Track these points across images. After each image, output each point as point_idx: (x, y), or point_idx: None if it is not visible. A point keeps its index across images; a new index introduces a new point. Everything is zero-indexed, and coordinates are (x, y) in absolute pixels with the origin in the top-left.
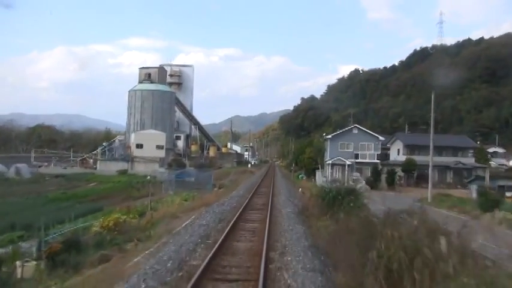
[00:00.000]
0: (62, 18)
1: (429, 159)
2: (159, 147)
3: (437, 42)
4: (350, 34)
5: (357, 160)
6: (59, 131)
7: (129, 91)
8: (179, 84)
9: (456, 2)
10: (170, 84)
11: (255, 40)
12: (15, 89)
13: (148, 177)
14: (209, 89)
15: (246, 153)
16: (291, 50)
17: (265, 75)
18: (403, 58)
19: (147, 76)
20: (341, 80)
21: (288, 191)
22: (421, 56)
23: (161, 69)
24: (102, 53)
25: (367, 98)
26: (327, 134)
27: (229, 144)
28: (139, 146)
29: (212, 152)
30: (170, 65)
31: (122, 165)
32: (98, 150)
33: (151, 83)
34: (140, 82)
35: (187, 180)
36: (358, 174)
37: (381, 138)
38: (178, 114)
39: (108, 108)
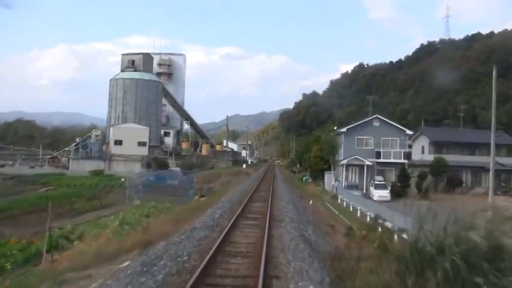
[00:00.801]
0: (63, 16)
1: (460, 158)
2: (141, 143)
3: (444, 37)
4: (351, 33)
5: (379, 160)
6: (39, 126)
7: (110, 80)
8: (169, 75)
9: (457, 1)
10: (159, 74)
11: (257, 39)
12: (15, 87)
13: (123, 179)
14: (209, 87)
15: (244, 151)
16: (292, 49)
17: (266, 74)
18: (408, 54)
19: (130, 63)
20: (345, 75)
21: (295, 206)
22: (428, 51)
23: (147, 55)
24: (102, 51)
25: (373, 93)
26: (340, 127)
27: (224, 142)
28: (118, 142)
29: (205, 150)
30: (159, 54)
31: (98, 165)
32: (70, 147)
33: (135, 70)
34: (123, 70)
35: (169, 183)
36: (381, 178)
37: (408, 132)
38: (168, 108)
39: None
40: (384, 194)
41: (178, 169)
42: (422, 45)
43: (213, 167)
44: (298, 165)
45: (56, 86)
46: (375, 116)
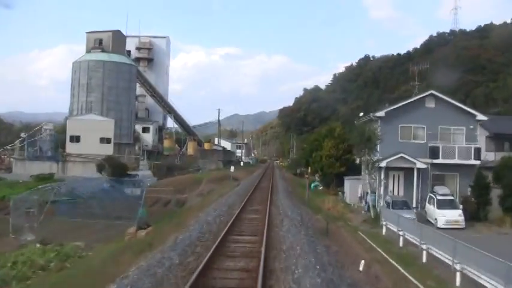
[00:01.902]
0: (63, 16)
1: None
2: (104, 140)
3: (453, 28)
4: (352, 33)
5: (436, 160)
6: (7, 123)
7: (73, 63)
8: (149, 61)
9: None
10: (138, 59)
11: (257, 39)
12: (14, 87)
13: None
14: (209, 87)
15: (239, 150)
16: (292, 49)
17: (266, 74)
18: (411, 49)
19: (97, 43)
20: (349, 69)
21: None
22: (437, 43)
23: (117, 33)
24: None
25: (381, 87)
26: (380, 109)
27: (216, 140)
28: (74, 138)
29: (191, 148)
30: (138, 36)
31: (49, 167)
32: (15, 143)
33: (103, 51)
34: (88, 51)
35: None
36: (446, 189)
37: (480, 116)
38: (149, 100)
39: None
40: (455, 217)
41: (148, 173)
42: (431, 36)
43: (198, 169)
44: (308, 170)
45: (55, 86)
46: (428, 92)
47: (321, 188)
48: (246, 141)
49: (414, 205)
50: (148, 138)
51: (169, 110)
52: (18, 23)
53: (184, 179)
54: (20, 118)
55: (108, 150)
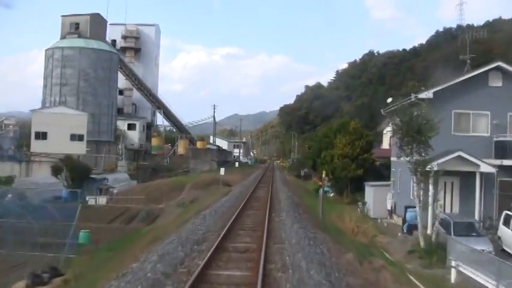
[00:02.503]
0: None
1: None
2: (75, 137)
3: (459, 23)
4: (353, 33)
5: (506, 161)
6: None
7: (46, 50)
8: (137, 51)
9: None
10: (124, 49)
11: (258, 39)
12: (14, 87)
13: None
14: (210, 87)
15: (236, 150)
16: (293, 48)
17: (267, 74)
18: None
19: (73, 28)
20: (352, 65)
21: None
22: (444, 38)
23: (96, 17)
24: None
25: (387, 83)
26: (416, 91)
27: (211, 139)
28: (40, 135)
29: (181, 147)
30: (124, 24)
31: (11, 168)
32: None
33: (80, 37)
34: (63, 37)
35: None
36: None
37: None
38: (136, 94)
39: None
40: None
41: (124, 176)
42: (437, 32)
43: (187, 171)
44: (322, 175)
45: None
46: (493, 64)
47: (331, 194)
48: (244, 140)
49: (481, 224)
50: (134, 136)
51: (159, 105)
52: (20, 22)
53: (166, 183)
54: (20, 118)
55: (81, 148)
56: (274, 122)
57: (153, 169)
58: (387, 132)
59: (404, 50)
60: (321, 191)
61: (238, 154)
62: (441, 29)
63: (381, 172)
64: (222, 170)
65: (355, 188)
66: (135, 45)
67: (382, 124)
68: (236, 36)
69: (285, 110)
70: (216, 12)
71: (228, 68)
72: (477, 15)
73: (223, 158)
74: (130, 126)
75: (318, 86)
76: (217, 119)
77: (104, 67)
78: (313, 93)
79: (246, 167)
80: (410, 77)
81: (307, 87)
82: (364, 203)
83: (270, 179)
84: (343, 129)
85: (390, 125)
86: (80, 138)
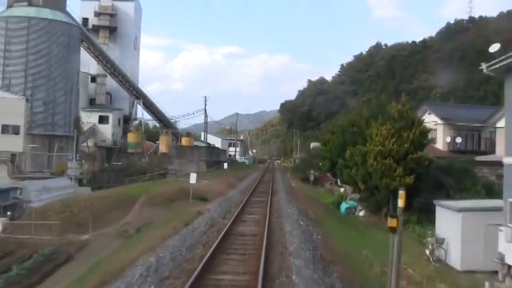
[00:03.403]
0: None
1: None
2: (8, 129)
3: (471, 15)
4: (355, 33)
5: None
6: None
7: None
8: (112, 30)
9: None
10: (96, 29)
11: (259, 38)
12: None
13: None
14: (211, 87)
15: (232, 149)
16: (295, 48)
17: (268, 73)
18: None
19: None
20: (358, 58)
21: None
22: (455, 31)
23: None
24: None
25: (397, 77)
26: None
27: (202, 136)
28: None
29: (164, 144)
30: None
31: None
32: None
33: (30, 5)
34: (10, 5)
35: None
36: None
37: None
38: (111, 82)
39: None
40: None
41: (65, 183)
42: (448, 24)
43: (165, 173)
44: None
45: None
46: None
47: (361, 213)
48: (242, 138)
49: None
50: (107, 130)
51: (138, 94)
52: None
53: (114, 195)
54: None
55: (16, 144)
56: (275, 120)
57: (120, 171)
58: (437, 125)
59: (413, 42)
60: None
61: (234, 153)
62: (452, 21)
63: (441, 180)
64: (193, 177)
65: (425, 211)
66: (110, 24)
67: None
68: (238, 36)
69: (286, 107)
70: (217, 11)
71: (229, 67)
72: (485, 9)
73: (215, 157)
74: (102, 119)
75: (322, 80)
76: (216, 118)
77: (61, 43)
78: (317, 88)
79: (241, 169)
80: (423, 70)
81: (309, 82)
82: (438, 241)
83: (268, 185)
84: (381, 113)
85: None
86: (15, 130)
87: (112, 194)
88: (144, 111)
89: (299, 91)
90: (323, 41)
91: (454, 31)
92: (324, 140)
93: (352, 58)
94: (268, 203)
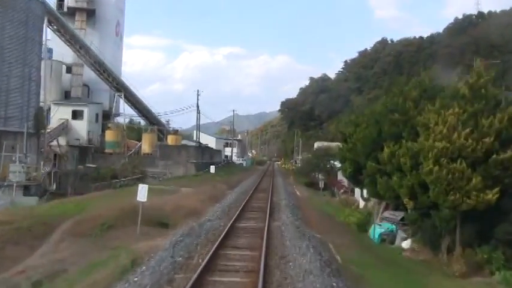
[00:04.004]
0: None
1: None
2: None
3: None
4: (357, 33)
5: None
6: None
7: None
8: (90, 14)
9: None
10: (72, 12)
11: (260, 39)
12: None
13: None
14: (211, 87)
15: (228, 149)
16: (296, 49)
17: (268, 74)
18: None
19: None
20: (363, 54)
21: None
22: (462, 26)
23: None
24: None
25: (405, 73)
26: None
27: (195, 135)
28: None
29: (147, 143)
30: None
31: None
32: None
33: None
34: None
35: None
36: None
37: None
38: (88, 72)
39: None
40: None
41: None
42: (456, 19)
43: (143, 177)
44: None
45: None
46: None
47: (406, 244)
48: (240, 137)
49: None
50: (81, 127)
51: (118, 86)
52: None
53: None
54: None
55: None
56: (275, 121)
57: (85, 176)
58: None
59: (421, 37)
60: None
61: (230, 154)
62: (460, 17)
63: None
64: (142, 191)
65: (473, 236)
66: (88, 6)
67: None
68: (239, 36)
69: (287, 105)
70: (218, 11)
71: (229, 68)
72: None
73: (208, 158)
74: (76, 114)
75: (324, 78)
76: (216, 119)
77: (17, 20)
78: (319, 85)
79: (236, 172)
80: (433, 65)
81: (311, 79)
82: None
83: (267, 197)
84: (438, 91)
85: None
86: None
87: (25, 214)
88: (130, 108)
89: (301, 89)
90: (324, 42)
91: (462, 26)
92: (343, 134)
93: (357, 54)
94: (265, 237)
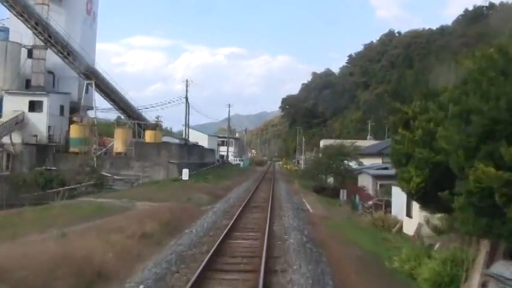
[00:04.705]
0: None
1: None
2: None
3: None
4: (358, 33)
5: None
6: None
7: None
8: None
9: None
10: None
11: (261, 39)
12: None
13: None
14: (212, 87)
15: (223, 148)
16: (297, 49)
17: (269, 74)
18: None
19: None
20: (369, 47)
21: None
22: (472, 18)
23: None
24: (106, 51)
25: (415, 66)
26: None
27: (184, 131)
28: None
29: (120, 141)
30: None
31: None
32: None
33: None
34: None
35: None
36: None
37: None
38: (53, 56)
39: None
40: None
41: None
42: (466, 10)
43: (99, 184)
44: None
45: None
46: None
47: None
48: (237, 135)
49: None
50: (41, 121)
51: (89, 73)
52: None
53: None
54: None
55: None
56: (276, 120)
57: (24, 182)
58: None
59: (430, 29)
60: None
61: (226, 153)
62: (470, 8)
63: None
64: None
65: None
66: None
67: None
68: (240, 36)
69: (288, 102)
70: (219, 11)
71: (230, 68)
72: None
73: (197, 158)
74: (34, 106)
75: (328, 73)
76: (216, 120)
77: None
78: (322, 81)
79: (229, 175)
80: (446, 57)
81: (314, 74)
82: None
83: (264, 216)
84: None
85: None
86: None
87: None
88: (103, 97)
89: (303, 84)
90: (325, 43)
91: (474, 16)
92: (401, 114)
93: (362, 47)
94: None
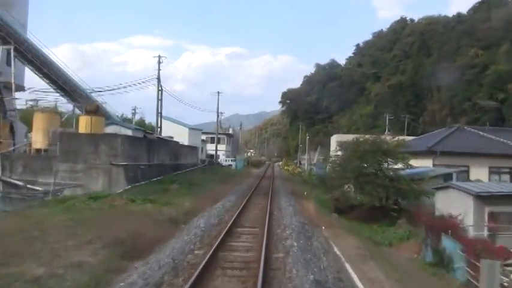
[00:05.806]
0: (68, 16)
1: None
2: None
3: None
4: (358, 34)
5: None
6: None
7: None
8: None
9: None
10: None
11: (262, 39)
12: None
13: None
14: (213, 87)
15: (211, 146)
16: (298, 49)
17: (270, 74)
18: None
19: None
20: (378, 36)
21: None
22: (488, 4)
23: None
24: (107, 51)
25: (434, 54)
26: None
27: (158, 123)
28: None
29: (39, 132)
30: None
31: None
32: None
33: None
34: None
35: None
36: None
37: None
38: None
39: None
40: None
41: None
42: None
43: None
44: None
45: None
46: None
47: None
48: (231, 131)
49: None
50: None
51: (4, 35)
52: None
53: None
54: None
55: None
56: (275, 119)
57: None
58: None
59: (446, 16)
60: None
61: (215, 153)
62: None
63: None
64: None
65: None
66: None
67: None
68: (241, 36)
69: (289, 96)
70: (220, 11)
71: (231, 68)
72: None
73: (167, 158)
74: None
75: (333, 64)
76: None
77: None
78: (326, 73)
79: (210, 183)
80: (469, 43)
81: (318, 65)
82: None
83: None
84: None
85: None
86: None
87: None
88: (31, 70)
89: (305, 77)
90: (327, 43)
91: (487, 3)
92: None
93: (371, 36)
94: None
